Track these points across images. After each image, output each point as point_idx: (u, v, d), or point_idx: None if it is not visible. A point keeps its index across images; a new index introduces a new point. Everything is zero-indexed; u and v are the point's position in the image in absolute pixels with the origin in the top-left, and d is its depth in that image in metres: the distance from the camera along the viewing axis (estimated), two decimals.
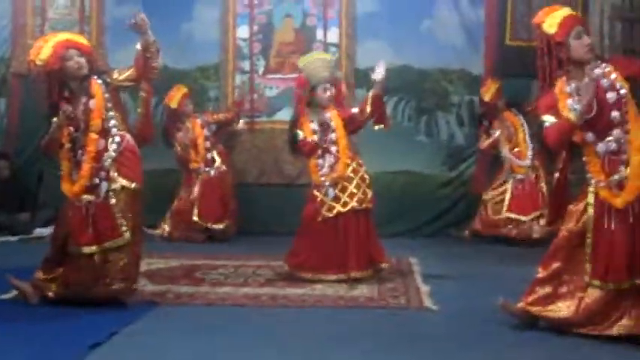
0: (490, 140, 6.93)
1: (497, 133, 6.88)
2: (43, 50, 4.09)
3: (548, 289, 3.68)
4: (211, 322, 3.94)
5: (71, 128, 4.13)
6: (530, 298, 3.72)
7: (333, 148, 5.04)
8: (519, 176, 6.78)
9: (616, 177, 3.51)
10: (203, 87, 7.65)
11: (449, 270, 5.38)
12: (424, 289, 4.68)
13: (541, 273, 3.73)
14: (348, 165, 5.01)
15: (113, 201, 4.12)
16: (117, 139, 4.18)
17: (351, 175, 5.00)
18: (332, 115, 5.06)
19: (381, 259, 5.03)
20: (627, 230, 3.48)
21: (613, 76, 3.54)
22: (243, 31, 7.58)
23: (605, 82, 3.53)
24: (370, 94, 5.11)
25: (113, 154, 4.16)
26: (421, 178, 7.40)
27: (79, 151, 4.15)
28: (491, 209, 6.88)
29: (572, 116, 3.48)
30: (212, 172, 7.06)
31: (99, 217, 4.10)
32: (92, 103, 4.14)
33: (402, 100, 7.51)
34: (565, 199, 3.79)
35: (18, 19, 7.61)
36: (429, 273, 5.19)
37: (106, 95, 4.18)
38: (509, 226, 6.74)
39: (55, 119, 4.11)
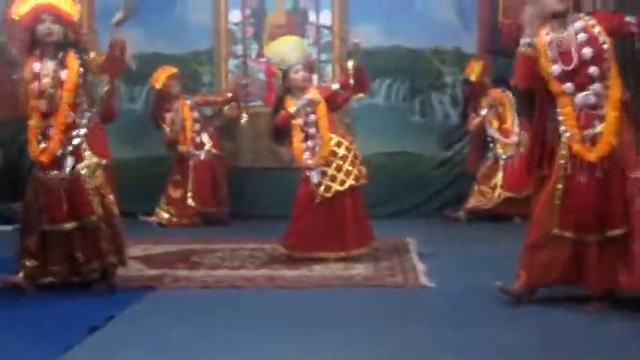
0: (478, 120, 6.95)
1: (485, 111, 6.89)
2: (24, 6, 4.08)
3: (541, 255, 3.70)
4: (209, 305, 3.96)
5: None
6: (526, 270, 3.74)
7: (312, 130, 5.02)
8: (508, 153, 6.80)
9: (590, 131, 3.53)
10: (196, 72, 7.61)
11: (445, 249, 5.39)
12: (421, 267, 4.70)
13: (527, 239, 3.78)
14: (332, 144, 4.98)
15: (86, 178, 4.10)
16: (87, 114, 4.17)
17: (345, 152, 5.01)
18: (313, 96, 5.04)
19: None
20: (596, 184, 3.52)
21: (596, 29, 3.53)
22: (235, 16, 7.54)
23: (582, 36, 3.51)
24: (351, 66, 5.04)
25: (83, 130, 4.14)
26: (416, 159, 7.40)
27: (44, 122, 4.11)
28: (485, 195, 6.91)
29: (523, 50, 3.57)
30: (202, 156, 7.04)
31: (72, 194, 4.08)
32: (64, 74, 4.09)
33: (395, 81, 7.49)
34: (544, 149, 3.76)
35: (8, 7, 7.54)
36: (426, 252, 5.20)
37: (81, 70, 4.13)
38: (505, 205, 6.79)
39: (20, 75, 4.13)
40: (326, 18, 7.48)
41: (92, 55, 4.23)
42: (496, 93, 6.95)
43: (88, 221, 4.10)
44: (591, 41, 3.51)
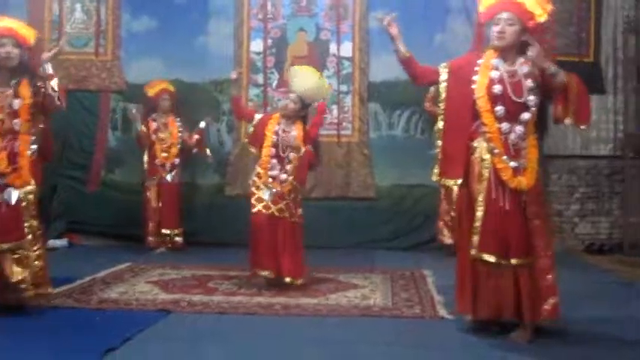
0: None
1: None
2: None
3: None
4: (224, 330, 3.94)
5: None
6: None
7: (290, 167, 5.10)
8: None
9: (521, 162, 3.68)
10: (217, 100, 7.69)
11: None
12: (439, 299, 4.65)
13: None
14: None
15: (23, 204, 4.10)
16: (33, 146, 4.16)
17: (291, 188, 5.11)
18: (297, 134, 5.12)
19: (294, 275, 5.08)
20: (519, 212, 3.67)
21: (536, 72, 3.65)
22: (257, 45, 7.63)
23: (529, 82, 3.66)
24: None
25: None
26: (435, 191, 7.34)
27: None
28: None
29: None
30: (169, 178, 7.12)
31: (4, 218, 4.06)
32: (17, 103, 4.07)
33: (414, 114, 7.51)
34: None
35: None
36: (444, 284, 5.13)
37: (32, 100, 4.10)
38: None
39: None
40: (347, 50, 7.54)
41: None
42: None
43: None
44: (534, 90, 3.68)
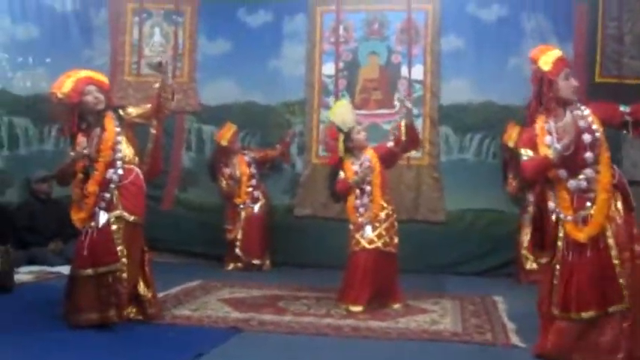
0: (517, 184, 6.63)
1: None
2: (65, 84, 4.32)
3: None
4: (294, 350, 3.97)
5: (85, 160, 4.33)
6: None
7: (368, 188, 5.21)
8: None
9: (582, 213, 3.66)
10: (288, 122, 7.80)
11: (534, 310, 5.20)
12: (510, 326, 4.56)
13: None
14: (382, 205, 5.19)
15: (114, 227, 4.27)
16: (119, 171, 4.35)
17: (384, 217, 5.18)
18: (370, 156, 5.28)
19: (395, 300, 5.23)
20: (589, 263, 3.60)
21: (590, 119, 3.70)
22: (328, 68, 7.71)
23: (582, 123, 3.69)
24: (402, 123, 5.33)
25: (112, 185, 4.32)
26: (505, 217, 7.22)
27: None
28: None
29: (550, 153, 3.65)
30: (256, 209, 7.27)
31: (96, 242, 4.24)
32: (104, 135, 4.34)
33: (486, 138, 7.43)
34: (545, 231, 3.87)
35: (116, 57, 8.00)
36: (515, 311, 5.04)
37: (118, 129, 4.38)
38: None
39: (72, 152, 4.34)
40: (418, 73, 7.54)
41: (130, 109, 4.50)
42: None
43: (102, 271, 4.24)
44: (589, 128, 3.67)
